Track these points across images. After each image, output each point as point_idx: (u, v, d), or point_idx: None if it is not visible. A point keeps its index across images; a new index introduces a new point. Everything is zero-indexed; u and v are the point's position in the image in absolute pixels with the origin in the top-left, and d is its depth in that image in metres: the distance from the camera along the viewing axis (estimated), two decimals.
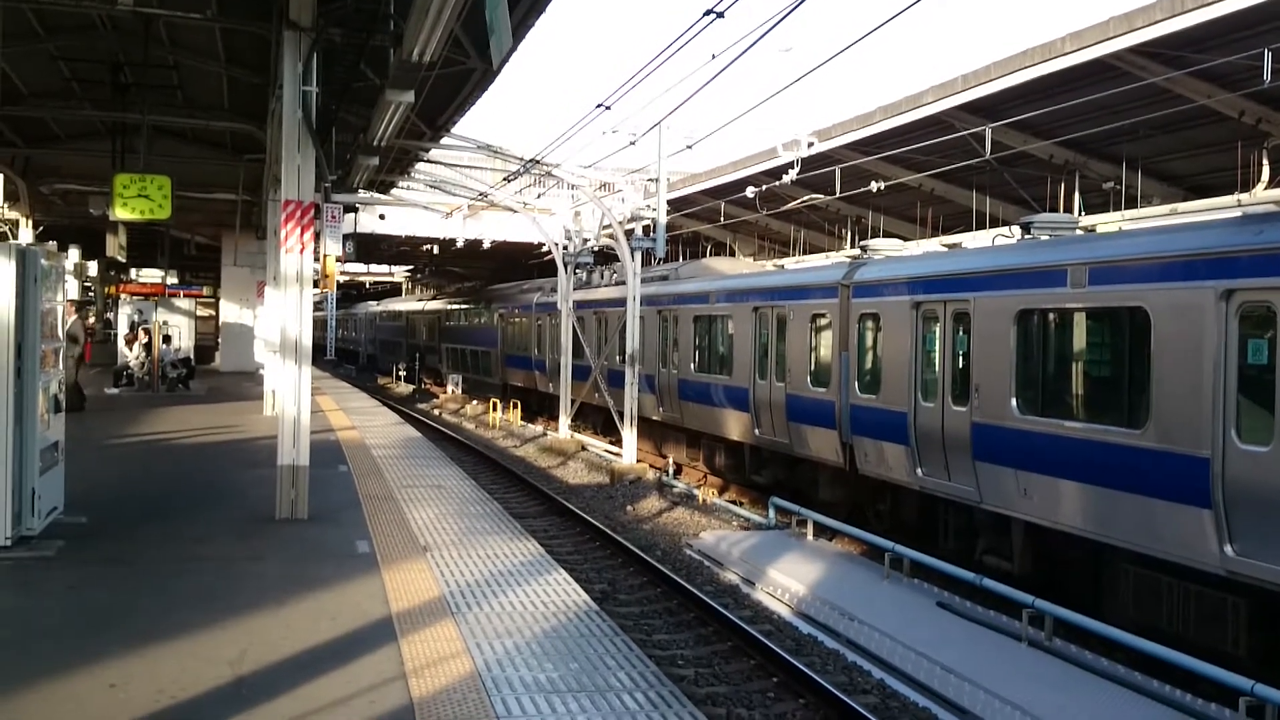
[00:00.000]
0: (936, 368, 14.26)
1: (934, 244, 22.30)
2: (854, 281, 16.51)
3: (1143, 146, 19.94)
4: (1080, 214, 20.92)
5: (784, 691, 10.01)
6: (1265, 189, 16.82)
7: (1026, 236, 13.85)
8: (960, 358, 13.79)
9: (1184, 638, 10.18)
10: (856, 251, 26.84)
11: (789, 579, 13.55)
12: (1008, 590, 11.69)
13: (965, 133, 20.67)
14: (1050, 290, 12.07)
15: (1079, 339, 12.32)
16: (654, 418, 24.60)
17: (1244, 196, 16.58)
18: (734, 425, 20.57)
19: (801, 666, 10.23)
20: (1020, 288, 12.58)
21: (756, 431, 19.50)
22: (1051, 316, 12.37)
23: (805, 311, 17.92)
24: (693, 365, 22.63)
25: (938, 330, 14.25)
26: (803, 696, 9.78)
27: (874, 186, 24.39)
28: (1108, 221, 17.08)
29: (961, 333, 13.76)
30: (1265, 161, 17.35)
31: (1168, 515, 10.20)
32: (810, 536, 15.97)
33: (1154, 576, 10.69)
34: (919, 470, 14.46)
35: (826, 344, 17.37)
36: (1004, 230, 15.88)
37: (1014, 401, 12.51)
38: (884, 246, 17.93)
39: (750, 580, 14.11)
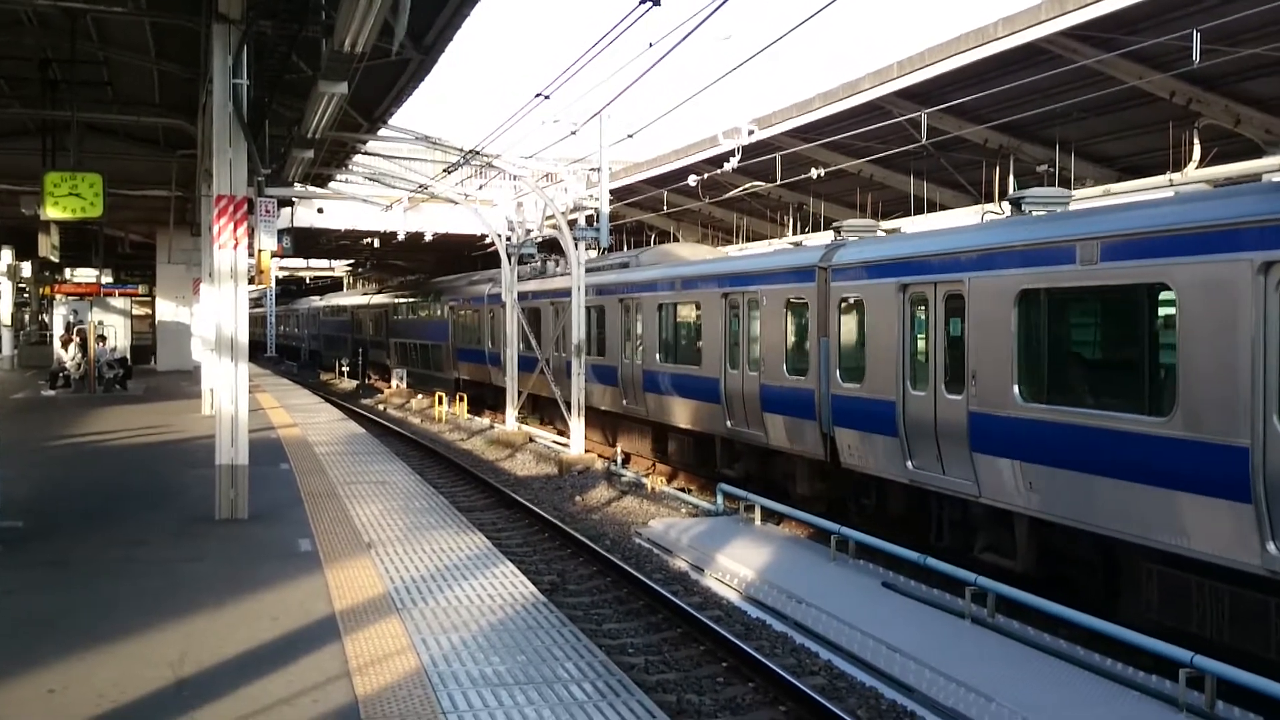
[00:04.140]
0: (927, 354, 13.36)
1: (914, 224, 21.91)
2: (833, 264, 15.53)
3: (1076, 129, 20.22)
4: None
5: (734, 676, 10.04)
6: (1196, 169, 17.11)
7: (1017, 213, 13.08)
8: (954, 343, 12.90)
9: (1218, 642, 9.37)
10: (800, 238, 27.03)
11: (737, 564, 13.60)
12: (950, 569, 11.79)
13: (902, 118, 20.84)
14: (1056, 268, 11.08)
15: (1091, 320, 11.56)
16: (616, 411, 23.87)
17: (1176, 176, 16.85)
18: (703, 417, 19.74)
19: (750, 650, 10.27)
20: (1022, 266, 11.61)
21: (728, 423, 18.59)
22: (1059, 296, 11.35)
23: (780, 296, 16.95)
24: (658, 355, 21.65)
25: (928, 314, 13.33)
26: (752, 680, 9.82)
27: (814, 173, 24.55)
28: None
29: (955, 316, 12.87)
30: (1196, 141, 17.65)
31: (1199, 510, 9.34)
32: (758, 521, 16.04)
33: (1182, 577, 9.81)
34: (909, 463, 13.58)
35: (804, 330, 16.43)
36: (993, 207, 14.89)
37: (1016, 389, 11.61)
38: (859, 226, 17.13)
39: (699, 567, 14.14)
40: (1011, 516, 12.06)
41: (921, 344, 13.59)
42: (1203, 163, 17.40)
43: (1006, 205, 13.47)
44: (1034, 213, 12.78)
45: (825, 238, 24.39)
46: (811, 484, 16.74)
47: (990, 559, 12.41)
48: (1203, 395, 9.29)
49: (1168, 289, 9.74)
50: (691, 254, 24.47)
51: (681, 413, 20.71)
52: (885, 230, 17.84)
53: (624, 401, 23.36)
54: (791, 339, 16.86)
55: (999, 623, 10.84)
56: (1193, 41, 14.81)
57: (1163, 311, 10.00)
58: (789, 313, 16.83)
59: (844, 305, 15.33)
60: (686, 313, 20.94)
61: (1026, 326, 11.62)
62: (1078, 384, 11.41)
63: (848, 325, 15.37)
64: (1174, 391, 9.58)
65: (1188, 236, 9.56)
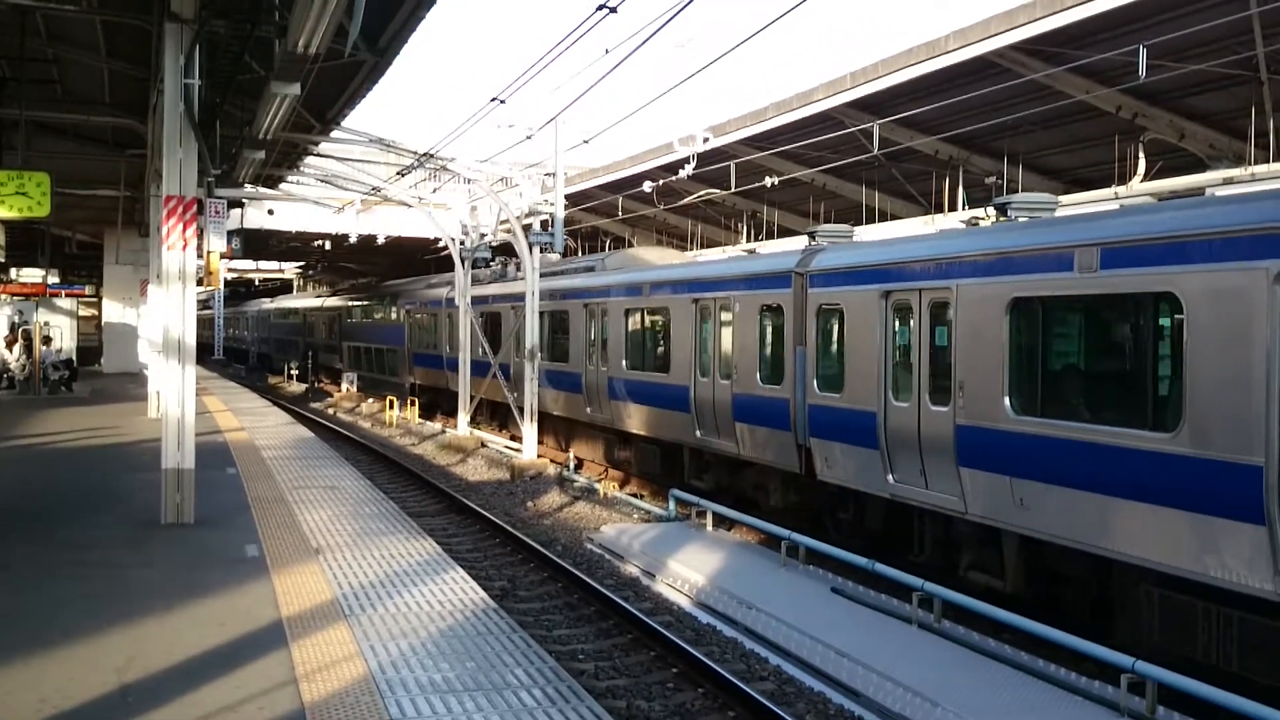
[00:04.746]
0: (911, 363, 12.74)
1: (866, 233, 21.64)
2: (811, 269, 14.88)
3: (1024, 141, 20.52)
4: (964, 208, 21.41)
5: (683, 681, 10.07)
6: (1141, 182, 17.41)
7: (1002, 219, 12.50)
8: (940, 352, 12.30)
9: (1224, 670, 8.92)
10: (754, 245, 27.11)
11: (689, 570, 13.63)
12: (898, 574, 11.86)
13: (854, 129, 21.04)
14: (1052, 275, 10.53)
15: (1090, 330, 10.96)
16: (579, 419, 23.25)
17: (1121, 189, 17.13)
18: (671, 426, 18.98)
19: (700, 656, 10.30)
20: (1015, 273, 11.05)
21: (697, 433, 17.93)
22: (1054, 305, 10.82)
23: (754, 302, 16.28)
24: (624, 362, 20.76)
25: (912, 322, 12.73)
26: (701, 686, 9.85)
27: (768, 181, 24.69)
28: (968, 216, 17.30)
29: (941, 325, 12.29)
30: (1141, 155, 17.96)
31: (1207, 531, 8.83)
32: (710, 527, 16.08)
33: (1186, 601, 9.28)
34: (890, 476, 12.99)
35: (779, 337, 15.73)
36: (978, 212, 14.41)
37: (1007, 401, 11.04)
38: (834, 231, 16.43)
39: (651, 572, 14.16)
40: (1000, 534, 11.56)
41: (905, 353, 13.03)
42: (1147, 176, 17.71)
43: (992, 210, 13.02)
44: (1019, 218, 12.31)
45: (779, 245, 24.55)
46: (785, 497, 16.15)
47: (978, 578, 11.94)
48: (1212, 411, 8.81)
49: (1175, 298, 9.23)
50: (659, 258, 23.96)
51: (648, 421, 20.02)
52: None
53: (587, 409, 22.64)
54: (765, 346, 16.22)
55: (945, 628, 10.94)
56: (1139, 57, 15.08)
57: (1168, 322, 9.50)
58: (763, 319, 16.19)
59: (822, 312, 14.70)
60: (655, 318, 20.17)
61: (1019, 336, 11.10)
62: (1074, 397, 10.87)
63: (826, 333, 14.75)
64: (1180, 406, 9.09)
65: (1197, 243, 9.07)
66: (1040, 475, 10.62)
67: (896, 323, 13.18)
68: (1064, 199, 18.35)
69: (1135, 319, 10.02)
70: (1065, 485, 10.30)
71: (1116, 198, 15.97)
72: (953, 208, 21.92)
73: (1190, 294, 9.05)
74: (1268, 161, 15.92)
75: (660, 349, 19.75)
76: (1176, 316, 9.24)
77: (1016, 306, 11.08)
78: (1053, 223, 11.67)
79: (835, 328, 14.48)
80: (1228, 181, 14.29)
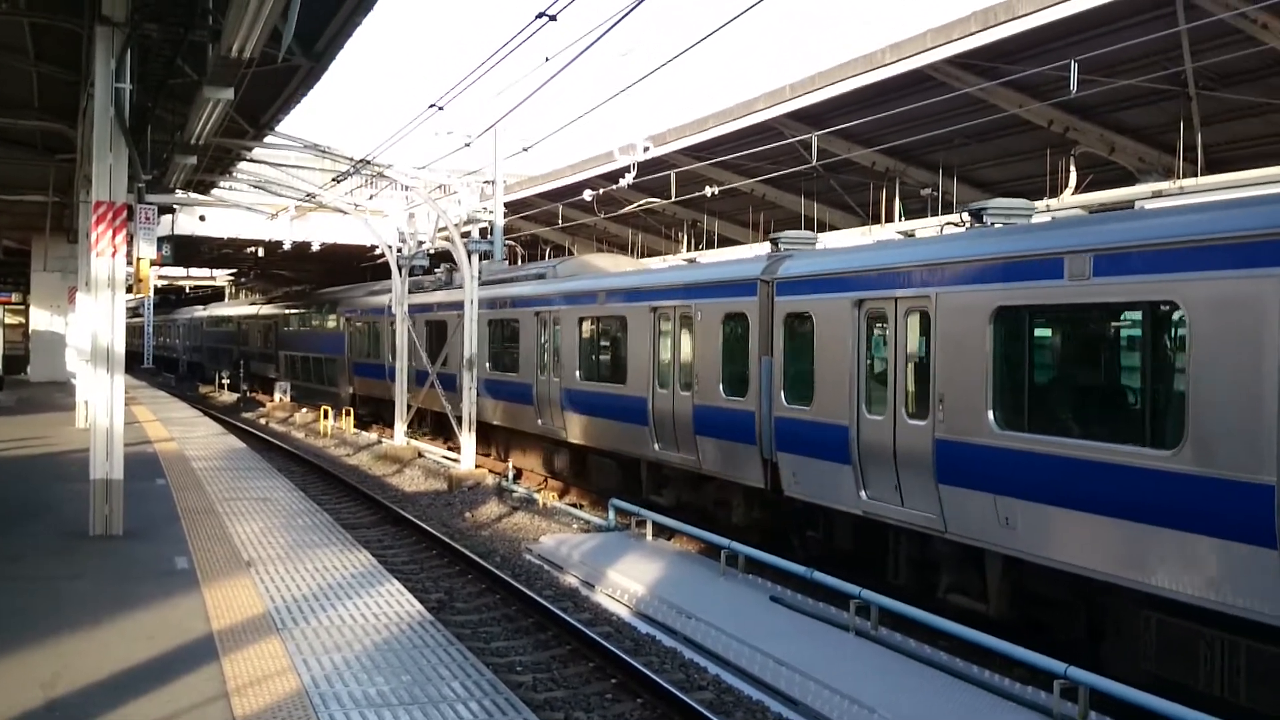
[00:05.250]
0: (886, 375, 12.20)
1: (835, 239, 21.47)
2: (778, 277, 14.34)
3: (958, 154, 20.85)
4: (901, 219, 21.66)
5: (622, 692, 10.03)
6: (1072, 194, 17.74)
7: (978, 225, 12.10)
8: (918, 363, 11.81)
9: (1231, 703, 8.46)
10: (694, 254, 27.19)
11: (628, 580, 13.60)
12: (836, 582, 11.92)
13: (793, 140, 21.22)
14: (1040, 283, 10.02)
15: (1082, 340, 10.61)
16: (531, 431, 22.49)
17: (1052, 201, 17.44)
18: (628, 440, 18.31)
19: (639, 666, 10.27)
20: (999, 281, 10.53)
21: (656, 446, 17.27)
22: (1043, 314, 10.36)
23: (716, 311, 15.65)
24: (578, 373, 20.05)
25: (887, 332, 12.21)
26: (640, 696, 9.81)
27: (708, 191, 24.83)
28: (927, 225, 17.55)
29: (919, 335, 11.79)
30: (1073, 168, 18.31)
31: (1211, 554, 8.36)
32: (649, 536, 16.05)
33: (1187, 628, 8.80)
34: (863, 493, 12.46)
35: (743, 347, 15.07)
36: (953, 218, 14.10)
37: (991, 415, 10.50)
38: (798, 238, 15.98)
39: (590, 583, 14.10)
40: (982, 555, 11.02)
41: (880, 364, 12.46)
42: (1079, 189, 18.06)
43: (967, 216, 12.56)
44: (995, 224, 11.87)
45: (720, 254, 24.67)
46: (749, 513, 15.54)
47: (958, 601, 11.44)
48: (1218, 427, 8.32)
49: (1176, 307, 8.76)
50: (613, 265, 23.29)
51: (603, 434, 19.31)
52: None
53: (539, 421, 21.85)
54: (729, 356, 15.52)
55: (882, 635, 11.01)
56: (1070, 72, 15.37)
57: (1169, 331, 9.11)
58: (726, 328, 15.52)
59: (790, 320, 14.10)
60: (611, 327, 19.44)
61: (1004, 346, 10.56)
62: (1065, 411, 10.45)
63: (794, 342, 14.10)
64: (1182, 422, 8.60)
65: (1202, 249, 8.56)
66: (1028, 493, 10.10)
67: (871, 332, 12.65)
68: None
69: (1133, 329, 9.60)
70: (1055, 504, 9.80)
71: (1049, 210, 16.24)
72: (890, 219, 22.17)
73: (1193, 302, 8.56)
74: (1196, 175, 16.29)
75: (616, 359, 19.14)
76: (1178, 326, 8.81)
77: (1001, 315, 10.54)
78: (1040, 227, 11.20)
79: (804, 337, 13.86)
80: (1157, 195, 14.57)
